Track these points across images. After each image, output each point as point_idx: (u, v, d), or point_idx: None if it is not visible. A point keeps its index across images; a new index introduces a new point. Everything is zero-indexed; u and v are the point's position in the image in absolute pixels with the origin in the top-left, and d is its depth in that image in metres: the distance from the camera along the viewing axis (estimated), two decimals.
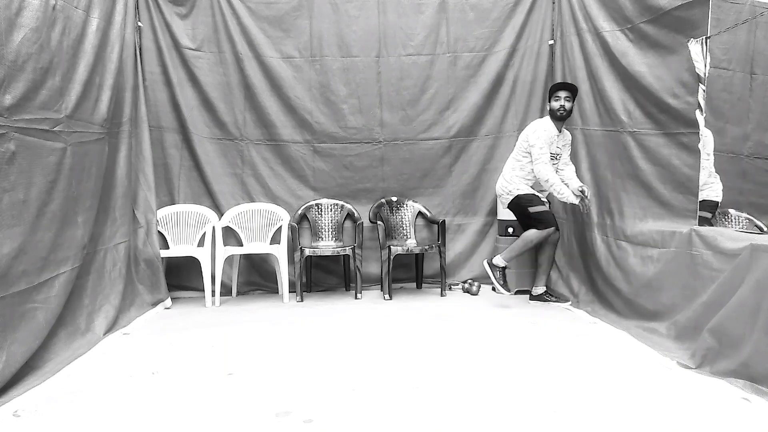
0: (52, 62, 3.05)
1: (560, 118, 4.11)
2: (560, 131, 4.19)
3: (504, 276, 4.24)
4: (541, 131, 4.10)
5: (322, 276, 5.00)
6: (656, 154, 3.73)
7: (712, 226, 3.46)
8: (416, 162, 4.97)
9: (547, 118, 4.17)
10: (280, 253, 4.52)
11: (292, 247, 4.62)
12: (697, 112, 3.28)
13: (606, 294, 3.99)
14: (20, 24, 2.75)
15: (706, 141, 3.41)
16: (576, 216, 4.52)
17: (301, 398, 2.51)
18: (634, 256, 3.73)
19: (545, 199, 4.30)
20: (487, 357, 3.10)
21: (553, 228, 4.15)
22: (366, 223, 4.87)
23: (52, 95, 3.07)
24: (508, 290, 4.33)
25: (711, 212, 3.62)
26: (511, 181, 4.25)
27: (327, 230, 4.90)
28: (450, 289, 4.92)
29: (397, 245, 4.67)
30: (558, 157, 4.22)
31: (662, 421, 2.25)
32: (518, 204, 4.22)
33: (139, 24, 4.53)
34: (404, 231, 4.98)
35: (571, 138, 4.31)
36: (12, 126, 2.68)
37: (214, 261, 4.42)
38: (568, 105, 4.06)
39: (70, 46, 3.28)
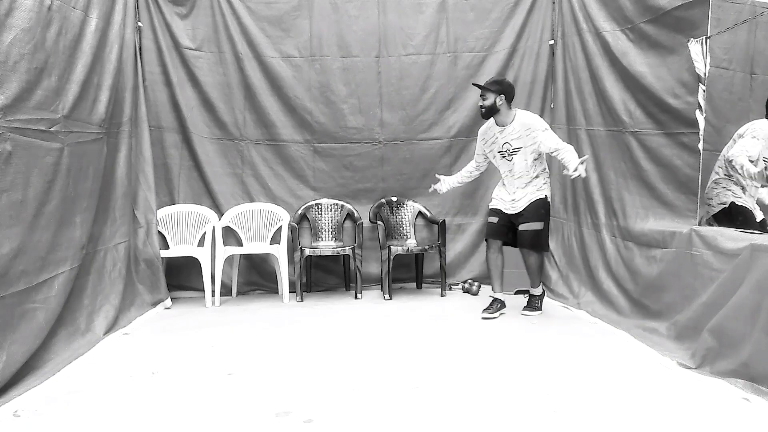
0: (47, 62, 3.04)
1: (484, 116, 3.90)
2: (503, 125, 3.87)
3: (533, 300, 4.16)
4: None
5: (322, 276, 5.00)
6: (658, 154, 3.72)
7: None
8: (416, 162, 4.97)
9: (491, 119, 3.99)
10: (280, 253, 4.52)
11: (292, 247, 4.62)
12: (698, 112, 3.28)
13: (611, 294, 3.98)
14: (11, 25, 2.73)
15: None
16: (579, 217, 4.51)
17: (301, 398, 2.51)
18: (639, 256, 3.72)
19: (501, 209, 4.01)
20: (487, 357, 3.09)
21: (487, 239, 4.11)
22: (366, 223, 4.87)
23: (48, 95, 3.06)
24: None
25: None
26: None
27: (327, 230, 4.90)
28: (450, 289, 4.92)
29: (397, 245, 4.67)
30: (509, 153, 3.89)
31: (662, 421, 2.25)
32: None
33: (139, 24, 4.52)
34: (404, 231, 4.97)
35: (529, 126, 3.80)
36: (7, 126, 2.68)
37: (214, 261, 4.42)
38: (484, 102, 3.81)
39: (67, 46, 3.27)
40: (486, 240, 4.14)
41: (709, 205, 3.59)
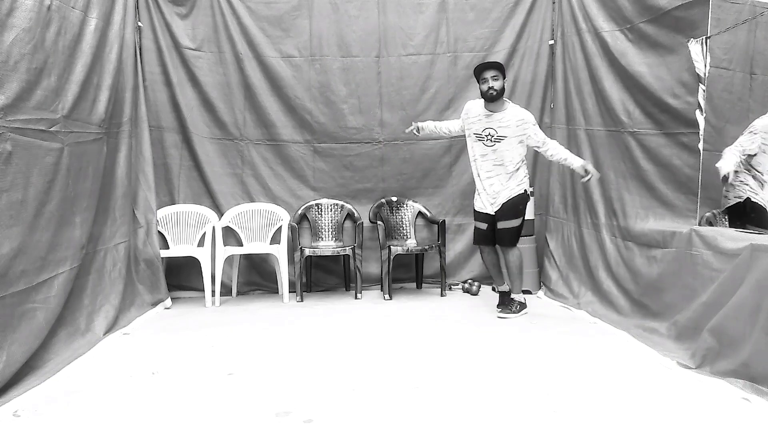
0: (47, 62, 3.04)
1: (491, 99, 3.82)
2: (493, 111, 3.86)
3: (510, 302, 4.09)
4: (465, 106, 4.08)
5: (322, 276, 5.00)
6: (657, 155, 3.73)
7: None
8: (416, 162, 4.97)
9: (479, 99, 3.99)
10: (280, 253, 4.52)
11: (292, 247, 4.62)
12: (697, 112, 3.28)
13: (611, 294, 3.97)
14: (11, 24, 2.73)
15: None
16: (579, 217, 4.51)
17: (301, 398, 2.51)
18: (640, 256, 3.72)
19: (486, 212, 3.99)
20: (487, 357, 3.09)
21: (481, 245, 4.11)
22: (366, 223, 4.87)
23: (48, 95, 3.06)
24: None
25: None
26: None
27: (327, 230, 4.90)
28: (450, 289, 4.91)
29: (397, 245, 4.67)
30: (489, 138, 3.87)
31: (662, 421, 2.25)
32: None
33: (139, 24, 4.52)
34: (404, 231, 4.97)
35: (522, 119, 3.84)
36: (7, 126, 2.67)
37: (214, 261, 4.42)
38: (497, 84, 3.77)
39: (66, 46, 3.27)
40: (477, 244, 4.17)
41: (726, 198, 3.54)
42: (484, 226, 4.02)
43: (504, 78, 3.86)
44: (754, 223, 3.30)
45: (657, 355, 3.06)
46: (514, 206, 3.91)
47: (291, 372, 2.87)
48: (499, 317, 3.97)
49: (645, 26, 3.75)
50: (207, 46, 4.72)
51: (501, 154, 3.87)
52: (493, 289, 4.87)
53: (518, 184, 3.92)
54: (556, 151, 3.91)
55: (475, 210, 4.10)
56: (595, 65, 4.23)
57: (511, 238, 3.96)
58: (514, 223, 3.92)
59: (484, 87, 3.83)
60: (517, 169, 3.92)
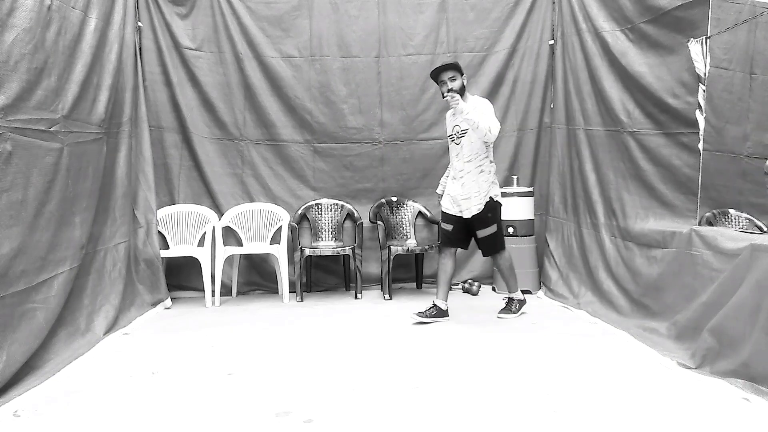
0: (47, 62, 3.04)
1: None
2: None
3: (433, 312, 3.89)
4: None
5: (322, 276, 5.00)
6: (657, 155, 3.73)
7: None
8: (416, 162, 4.98)
9: None
10: (280, 253, 4.52)
11: (292, 247, 4.63)
12: (697, 112, 3.28)
13: (611, 294, 3.97)
14: (12, 24, 2.74)
15: None
16: (579, 217, 4.51)
17: (301, 398, 2.51)
18: (640, 256, 3.72)
19: (453, 214, 3.90)
20: (487, 357, 3.09)
21: (445, 248, 3.95)
22: (366, 223, 4.87)
23: (48, 95, 3.07)
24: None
25: None
26: None
27: (327, 230, 4.90)
28: (450, 289, 4.90)
29: (397, 245, 4.67)
30: (457, 135, 3.84)
31: (662, 421, 2.25)
32: None
33: (139, 24, 4.53)
34: (404, 231, 4.98)
35: (476, 107, 3.70)
36: (8, 126, 2.68)
37: (214, 261, 4.42)
38: (455, 84, 3.71)
39: (66, 46, 3.28)
40: (441, 246, 4.00)
41: None
42: (449, 227, 3.92)
43: (462, 75, 3.76)
44: None
45: (657, 355, 3.06)
46: (485, 216, 3.82)
47: (291, 372, 2.87)
48: (498, 317, 3.96)
49: (645, 26, 3.76)
50: (207, 46, 4.73)
51: (466, 149, 3.78)
52: (493, 289, 4.86)
53: (486, 193, 3.78)
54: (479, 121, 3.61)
55: (442, 211, 3.98)
56: (595, 65, 4.23)
57: (492, 244, 3.91)
58: (490, 230, 3.86)
59: (444, 89, 3.76)
60: (482, 170, 3.78)
